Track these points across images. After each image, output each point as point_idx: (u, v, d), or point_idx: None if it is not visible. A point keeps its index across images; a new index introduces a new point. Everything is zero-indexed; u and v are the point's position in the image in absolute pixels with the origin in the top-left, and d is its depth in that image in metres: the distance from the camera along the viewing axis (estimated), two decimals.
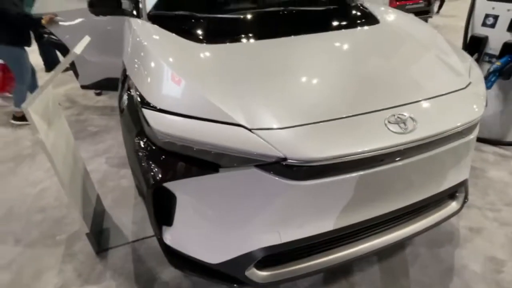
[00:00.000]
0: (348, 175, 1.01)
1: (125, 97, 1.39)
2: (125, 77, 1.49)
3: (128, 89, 1.38)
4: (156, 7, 1.82)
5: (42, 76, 3.97)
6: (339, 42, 1.54)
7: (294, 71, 1.28)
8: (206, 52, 1.39)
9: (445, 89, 1.20)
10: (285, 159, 0.94)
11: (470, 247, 1.65)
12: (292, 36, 1.52)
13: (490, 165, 2.28)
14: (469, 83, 1.26)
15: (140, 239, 1.77)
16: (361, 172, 1.01)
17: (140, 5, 1.81)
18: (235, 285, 1.21)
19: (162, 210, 1.23)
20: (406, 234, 1.30)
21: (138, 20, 1.68)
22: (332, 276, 1.52)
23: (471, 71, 1.36)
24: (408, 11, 6.00)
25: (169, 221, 1.24)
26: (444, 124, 1.07)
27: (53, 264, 1.66)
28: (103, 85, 3.31)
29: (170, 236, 1.25)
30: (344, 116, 1.04)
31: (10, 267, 1.65)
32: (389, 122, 1.03)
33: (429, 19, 6.81)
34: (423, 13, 6.34)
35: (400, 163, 1.05)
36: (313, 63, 1.35)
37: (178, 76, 1.19)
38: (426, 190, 1.24)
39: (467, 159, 1.32)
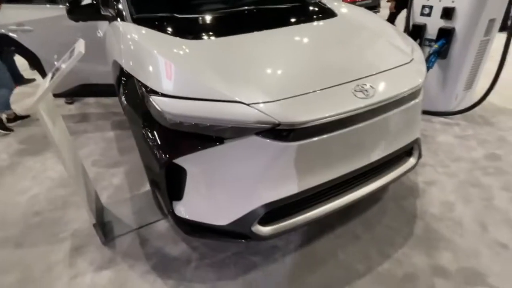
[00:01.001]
0: (329, 134, 1.27)
1: (127, 93, 1.55)
2: (122, 77, 1.63)
3: (128, 86, 1.54)
4: (137, 11, 1.97)
5: None
6: (308, 32, 1.82)
7: (275, 57, 1.53)
8: (194, 45, 1.58)
9: (394, 64, 1.52)
10: (278, 124, 1.18)
11: (428, 196, 2.00)
12: (269, 30, 1.76)
13: (438, 132, 2.70)
14: (412, 59, 1.59)
15: (144, 225, 1.90)
16: (340, 131, 1.28)
17: (124, 11, 1.95)
18: (242, 240, 1.42)
19: (172, 186, 1.41)
20: (377, 185, 1.59)
21: (127, 24, 1.83)
22: (320, 231, 1.78)
23: (413, 51, 1.69)
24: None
25: (179, 196, 1.42)
26: (396, 89, 1.38)
27: (62, 258, 1.74)
28: (77, 92, 3.32)
29: (181, 208, 1.43)
30: (320, 88, 1.31)
31: (15, 269, 1.69)
32: (355, 90, 1.31)
33: (377, 13, 7.54)
34: (372, 8, 7.03)
35: (367, 122, 1.34)
36: (289, 50, 1.61)
37: (177, 65, 1.38)
38: (390, 146, 1.54)
39: (417, 120, 1.65)
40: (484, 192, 2.01)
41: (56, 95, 3.31)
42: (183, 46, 1.56)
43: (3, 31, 2.87)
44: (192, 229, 1.46)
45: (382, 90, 1.35)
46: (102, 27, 2.44)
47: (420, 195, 2.01)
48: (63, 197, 2.22)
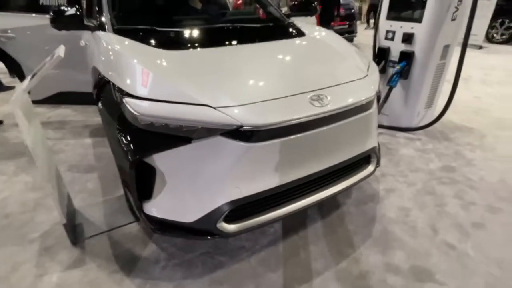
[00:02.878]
0: (287, 138, 1.40)
1: (104, 96, 1.64)
2: (100, 82, 1.73)
3: (105, 91, 1.64)
4: (118, 22, 2.10)
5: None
6: (276, 48, 1.99)
7: (242, 67, 1.68)
8: (169, 55, 1.70)
9: (350, 78, 1.70)
10: (241, 126, 1.31)
11: (387, 202, 2.16)
12: (239, 45, 1.93)
13: (401, 145, 2.91)
14: (366, 75, 1.78)
15: (115, 227, 1.94)
16: (297, 135, 1.42)
17: (105, 22, 2.08)
18: (208, 237, 1.50)
19: (142, 186, 1.49)
20: (337, 189, 1.72)
21: (108, 34, 1.94)
22: (285, 233, 1.88)
23: (369, 68, 1.89)
24: (335, 31, 7.07)
25: (149, 195, 1.50)
26: (349, 100, 1.55)
27: (29, 257, 1.74)
28: (56, 100, 3.35)
29: (151, 207, 1.51)
30: (281, 96, 1.45)
31: None
32: (311, 99, 1.47)
33: (354, 38, 8.06)
34: (348, 33, 7.50)
35: (323, 128, 1.48)
36: (256, 62, 1.77)
37: (152, 71, 1.50)
38: (346, 153, 1.69)
39: (372, 130, 1.82)
40: (438, 199, 2.18)
41: (35, 102, 3.33)
42: (158, 55, 1.68)
43: None
44: (161, 227, 1.52)
45: (337, 100, 1.51)
46: (84, 36, 2.54)
47: (380, 201, 2.16)
48: (35, 200, 2.23)
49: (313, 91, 1.52)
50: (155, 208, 1.51)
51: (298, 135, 1.43)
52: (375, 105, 1.75)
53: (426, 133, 3.11)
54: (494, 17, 7.08)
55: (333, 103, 1.48)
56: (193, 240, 1.81)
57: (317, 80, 1.62)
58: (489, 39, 7.64)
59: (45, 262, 1.71)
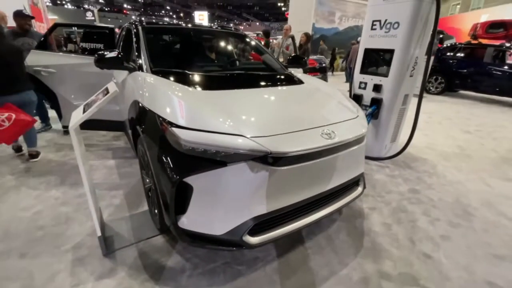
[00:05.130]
0: (304, 163, 1.44)
1: (147, 124, 1.62)
2: (142, 112, 1.71)
3: (148, 119, 1.62)
4: (154, 66, 2.13)
5: None
6: (286, 92, 2.09)
7: (264, 105, 1.74)
8: (204, 94, 1.74)
9: (347, 117, 1.79)
10: (270, 153, 1.33)
11: (371, 218, 2.19)
12: (259, 88, 2.02)
13: (374, 171, 3.01)
14: (358, 116, 1.89)
15: (143, 239, 1.83)
16: (311, 162, 1.46)
17: (144, 64, 2.11)
18: (234, 248, 1.45)
19: (177, 202, 1.44)
20: (336, 206, 1.74)
21: (149, 74, 1.96)
22: (293, 245, 1.85)
23: (358, 110, 2.01)
24: None
25: (182, 210, 1.45)
26: (349, 135, 1.63)
27: (64, 268, 1.59)
28: (84, 126, 3.24)
29: (185, 221, 1.45)
30: (298, 130, 1.50)
31: (19, 277, 1.52)
32: (322, 133, 1.53)
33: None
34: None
35: (330, 156, 1.54)
36: (274, 102, 1.84)
37: (192, 105, 1.52)
38: (345, 176, 1.74)
39: (362, 159, 1.90)
40: (410, 216, 2.24)
41: (66, 127, 3.22)
42: (195, 93, 1.72)
43: (31, 71, 2.85)
44: (193, 239, 1.46)
45: (340, 134, 1.58)
46: (118, 75, 2.54)
47: (366, 218, 2.19)
48: (66, 213, 2.08)
49: (322, 126, 1.59)
50: (187, 221, 1.46)
51: (312, 162, 1.47)
52: (365, 139, 1.84)
53: (393, 162, 3.25)
54: (430, 74, 7.86)
55: (338, 137, 1.55)
56: (216, 251, 1.74)
57: (323, 118, 1.70)
58: (427, 90, 8.33)
59: (80, 272, 1.57)
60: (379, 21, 2.94)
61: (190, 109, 1.51)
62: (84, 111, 1.55)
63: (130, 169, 2.81)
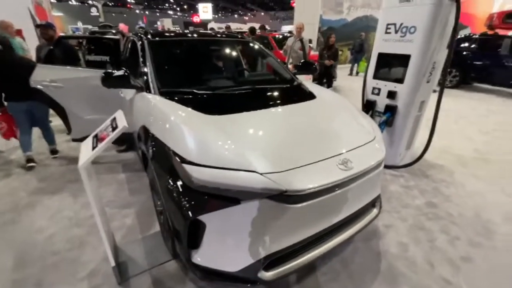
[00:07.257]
0: (321, 198, 1.38)
1: (157, 154, 1.58)
2: (152, 141, 1.67)
3: (158, 150, 1.58)
4: (162, 86, 2.07)
5: None
6: (300, 112, 1.96)
7: (278, 134, 1.63)
8: (215, 120, 1.65)
9: (363, 141, 1.70)
10: (285, 191, 1.28)
11: (387, 237, 2.13)
12: (269, 108, 1.90)
13: (389, 182, 2.92)
14: (375, 137, 1.80)
15: (156, 265, 1.82)
16: (328, 195, 1.40)
17: (151, 84, 2.05)
18: (249, 285, 1.42)
19: (190, 237, 1.41)
20: (353, 231, 1.68)
21: (156, 96, 1.91)
22: (309, 271, 1.81)
23: (374, 129, 1.91)
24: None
25: (195, 245, 1.42)
26: (367, 163, 1.55)
27: None
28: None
29: (198, 256, 1.42)
30: (314, 161, 1.43)
31: None
32: (338, 163, 1.46)
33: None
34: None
35: (347, 187, 1.47)
36: (286, 126, 1.74)
37: (204, 139, 1.46)
38: (361, 202, 1.68)
39: (379, 182, 1.83)
40: (428, 234, 2.17)
41: (74, 140, 3.23)
42: (205, 120, 1.64)
43: (38, 86, 2.83)
44: (206, 274, 1.44)
45: (358, 164, 1.50)
46: (127, 90, 2.49)
47: (382, 237, 2.13)
48: (80, 237, 2.09)
49: (338, 155, 1.51)
50: (201, 257, 1.43)
51: (328, 195, 1.41)
52: (383, 163, 1.76)
53: (408, 171, 3.14)
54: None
55: (356, 167, 1.48)
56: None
57: (339, 144, 1.62)
58: None
59: None
60: (394, 24, 2.78)
61: (201, 142, 1.45)
62: (92, 143, 1.52)
63: (139, 184, 2.80)
